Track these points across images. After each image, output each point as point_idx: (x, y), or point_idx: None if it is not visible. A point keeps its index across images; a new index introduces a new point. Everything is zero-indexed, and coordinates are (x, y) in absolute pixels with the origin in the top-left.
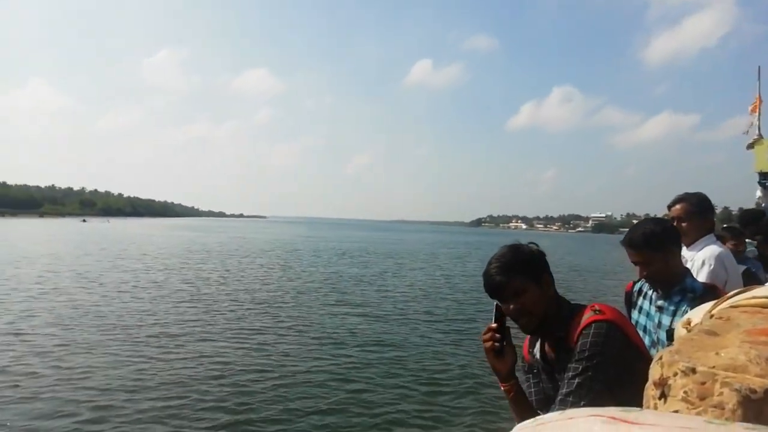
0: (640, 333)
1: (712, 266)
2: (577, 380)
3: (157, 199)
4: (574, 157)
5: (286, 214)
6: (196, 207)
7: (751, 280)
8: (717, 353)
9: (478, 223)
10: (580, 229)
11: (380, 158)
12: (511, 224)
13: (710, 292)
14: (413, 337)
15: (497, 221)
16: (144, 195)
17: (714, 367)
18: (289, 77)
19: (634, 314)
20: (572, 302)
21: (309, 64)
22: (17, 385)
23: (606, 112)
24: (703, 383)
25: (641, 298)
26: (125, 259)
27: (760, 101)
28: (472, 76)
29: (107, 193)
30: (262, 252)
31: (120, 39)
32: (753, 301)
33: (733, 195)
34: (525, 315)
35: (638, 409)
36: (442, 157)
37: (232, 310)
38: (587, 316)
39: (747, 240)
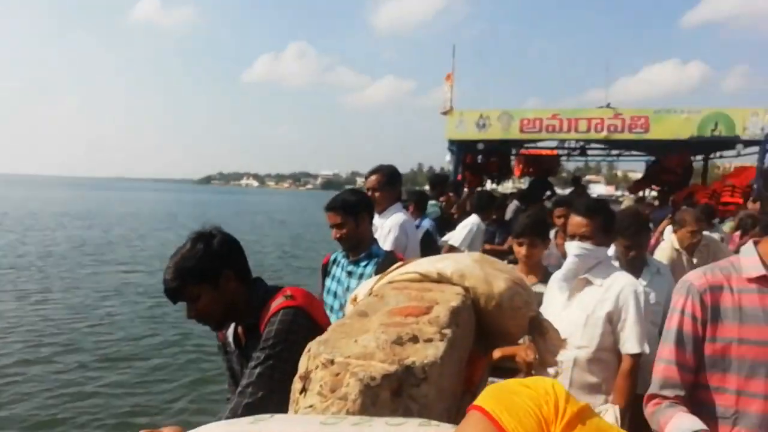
0: (331, 298)
1: (396, 233)
2: (258, 370)
3: None
4: (306, 114)
5: None
6: None
7: (428, 238)
8: (356, 341)
9: (208, 180)
10: (309, 186)
11: (91, 104)
12: (242, 181)
13: (390, 258)
14: None
15: (228, 178)
16: None
17: (349, 356)
18: None
19: (328, 281)
20: (270, 285)
21: None
22: None
23: (339, 71)
24: (338, 374)
25: (335, 267)
26: None
27: (452, 77)
28: (205, 21)
29: None
30: None
31: None
32: (405, 276)
33: (440, 157)
34: (203, 319)
35: (269, 415)
36: (170, 107)
37: None
38: (277, 303)
39: (432, 202)
